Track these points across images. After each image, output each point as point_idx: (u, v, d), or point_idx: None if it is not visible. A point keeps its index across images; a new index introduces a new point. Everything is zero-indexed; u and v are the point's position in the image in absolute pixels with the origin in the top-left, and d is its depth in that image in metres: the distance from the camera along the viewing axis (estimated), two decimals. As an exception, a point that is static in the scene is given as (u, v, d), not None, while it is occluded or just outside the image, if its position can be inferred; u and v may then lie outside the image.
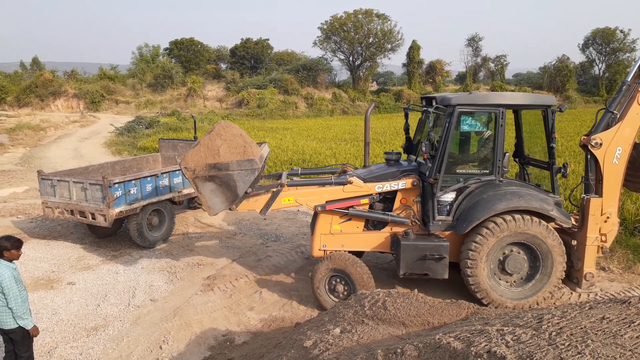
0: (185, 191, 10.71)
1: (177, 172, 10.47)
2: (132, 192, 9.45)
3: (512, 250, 6.83)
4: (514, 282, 6.92)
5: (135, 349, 6.24)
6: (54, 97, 47.32)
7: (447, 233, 7.09)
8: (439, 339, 3.06)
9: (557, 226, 7.12)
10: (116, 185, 9.12)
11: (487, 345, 2.82)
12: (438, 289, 7.71)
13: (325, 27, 56.91)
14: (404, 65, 59.48)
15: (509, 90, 55.22)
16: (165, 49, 62.09)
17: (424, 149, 6.90)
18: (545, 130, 7.17)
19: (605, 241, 7.04)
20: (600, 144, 6.91)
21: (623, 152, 6.87)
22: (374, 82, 72.46)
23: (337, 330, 4.14)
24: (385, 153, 8.02)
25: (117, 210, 9.19)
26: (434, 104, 7.23)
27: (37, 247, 10.00)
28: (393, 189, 7.22)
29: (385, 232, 7.32)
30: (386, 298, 4.48)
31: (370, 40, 56.34)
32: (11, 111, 40.80)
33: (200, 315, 7.13)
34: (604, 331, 2.91)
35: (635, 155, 7.03)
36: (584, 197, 6.93)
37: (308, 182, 7.70)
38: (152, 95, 49.68)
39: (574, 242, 7.12)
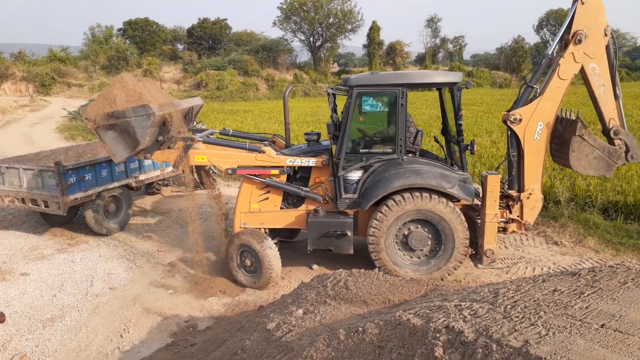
0: (143, 177, 10.45)
1: (132, 156, 10.17)
2: (86, 178, 9.13)
3: (416, 227, 6.98)
4: (419, 258, 7.12)
5: (95, 339, 6.11)
6: (0, 80, 45.06)
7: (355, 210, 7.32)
8: (399, 316, 3.11)
9: (467, 203, 7.19)
10: (70, 172, 8.79)
11: (445, 320, 2.88)
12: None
13: (285, 6, 56.12)
14: (364, 46, 59.47)
15: (467, 71, 56.21)
16: (119, 30, 59.91)
17: (327, 129, 7.18)
18: (453, 107, 7.14)
19: (524, 217, 7.11)
20: (520, 120, 6.82)
21: (544, 128, 6.79)
22: (335, 63, 72.23)
23: (300, 311, 4.16)
24: (305, 133, 8.14)
25: (72, 197, 8.87)
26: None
27: (-14, 238, 9.57)
28: (303, 165, 7.40)
29: (302, 209, 7.50)
30: (348, 277, 4.52)
31: (331, 20, 55.97)
32: (-46, 95, 38.68)
33: (162, 302, 7.03)
34: (555, 303, 3.02)
35: (561, 130, 6.95)
36: (483, 174, 6.96)
37: (224, 143, 7.82)
38: (106, 78, 47.91)
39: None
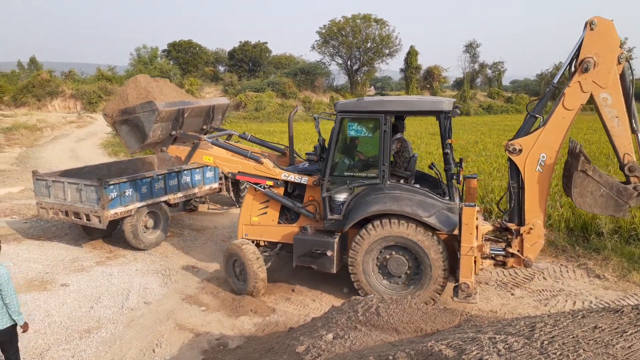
0: (180, 193, 10.69)
1: (173, 174, 10.46)
2: (127, 193, 9.42)
3: (395, 253, 6.99)
4: (397, 284, 7.15)
5: (128, 352, 6.21)
6: (51, 97, 47.17)
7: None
8: (430, 346, 3.06)
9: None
10: (111, 187, 9.09)
11: (478, 353, 2.82)
12: (432, 295, 7.71)
13: (323, 31, 57.08)
14: (401, 70, 59.66)
15: (506, 97, 55.40)
16: (164, 51, 62.08)
17: (314, 151, 7.64)
18: (441, 135, 7.00)
19: (524, 253, 6.79)
20: (520, 150, 6.55)
21: (548, 160, 6.43)
22: (372, 87, 72.64)
23: (330, 335, 4.13)
24: (307, 153, 8.27)
25: (112, 211, 9.16)
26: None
27: (31, 248, 9.95)
28: (296, 181, 7.67)
29: (296, 226, 7.78)
30: (379, 304, 4.47)
31: (369, 45, 56.54)
32: (8, 111, 40.66)
33: (194, 318, 7.11)
34: (595, 341, 2.91)
35: (570, 163, 6.57)
36: (460, 206, 6.68)
37: (229, 147, 8.22)
38: (149, 97, 49.54)
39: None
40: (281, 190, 7.88)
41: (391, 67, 65.89)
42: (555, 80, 6.69)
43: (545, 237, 6.96)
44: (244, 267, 7.61)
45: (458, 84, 67.24)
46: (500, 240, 7.25)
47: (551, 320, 3.29)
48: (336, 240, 7.23)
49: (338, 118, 7.15)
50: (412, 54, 57.19)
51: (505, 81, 73.65)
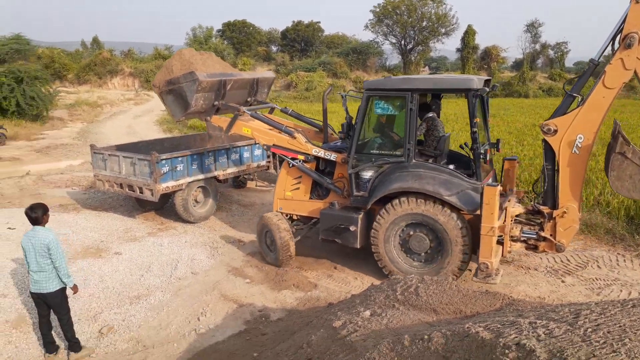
0: (230, 170, 10.90)
1: (223, 151, 10.66)
2: (178, 168, 9.70)
3: (418, 231, 7.01)
4: (419, 261, 7.19)
5: (175, 319, 6.47)
6: (111, 75, 49.03)
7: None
8: (467, 327, 2.99)
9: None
10: (163, 162, 9.38)
11: (517, 337, 2.72)
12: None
13: (377, 10, 56.01)
14: (458, 50, 57.80)
15: (568, 78, 52.64)
16: (218, 31, 62.99)
17: (342, 129, 7.80)
18: (469, 114, 6.79)
19: (557, 237, 6.58)
20: (555, 131, 6.22)
21: (585, 141, 6.08)
22: (427, 67, 70.94)
23: (367, 312, 4.13)
24: (340, 132, 8.26)
25: (164, 185, 9.47)
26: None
27: (88, 218, 10.48)
28: (326, 157, 7.85)
29: (326, 201, 7.94)
30: (419, 284, 4.41)
31: (424, 24, 55.07)
32: (71, 88, 42.64)
33: (238, 290, 7.30)
34: (645, 331, 2.74)
35: (611, 143, 6.08)
36: (482, 185, 6.44)
37: (267, 120, 8.53)
38: (204, 76, 50.55)
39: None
40: (313, 166, 8.09)
41: (447, 47, 64.10)
42: (596, 58, 6.29)
43: (580, 222, 6.66)
44: (273, 238, 7.87)
45: (517, 65, 64.54)
46: (534, 223, 7.02)
47: (598, 308, 3.13)
48: (361, 216, 7.35)
49: (365, 96, 7.21)
50: (469, 33, 55.18)
51: (569, 62, 70.02)
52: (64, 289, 5.54)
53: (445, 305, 4.11)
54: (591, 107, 6.06)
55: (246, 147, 11.31)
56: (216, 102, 8.70)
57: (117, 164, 9.98)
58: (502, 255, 7.00)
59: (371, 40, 56.75)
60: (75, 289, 5.65)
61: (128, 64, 51.04)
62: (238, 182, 12.86)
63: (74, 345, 5.65)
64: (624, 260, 8.16)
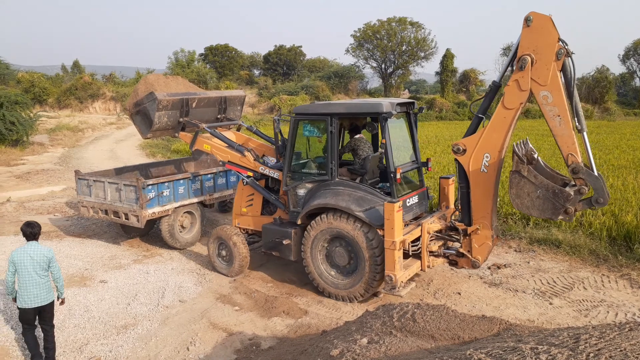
0: (217, 194, 10.83)
1: (209, 175, 10.61)
2: (164, 193, 9.61)
3: (337, 245, 7.48)
4: (340, 273, 7.60)
5: (163, 349, 6.32)
6: (92, 99, 48.61)
7: None
8: (469, 354, 2.99)
9: None
10: (149, 187, 9.29)
11: (520, 363, 2.73)
12: (469, 303, 7.57)
13: (358, 34, 56.93)
14: (437, 73, 58.88)
15: (474, 99, 53.84)
16: (201, 55, 63.17)
17: (276, 150, 8.37)
18: (379, 136, 7.45)
19: (473, 254, 6.86)
20: (464, 150, 6.48)
21: (492, 160, 6.30)
22: (406, 90, 71.99)
23: (365, 340, 4.10)
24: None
25: (150, 211, 9.35)
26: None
27: (72, 245, 10.26)
28: (270, 175, 8.40)
29: (275, 217, 8.45)
30: (415, 310, 4.40)
31: (404, 48, 56.08)
32: (52, 112, 42.15)
33: (228, 318, 7.18)
34: (645, 354, 2.78)
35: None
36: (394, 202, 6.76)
37: (223, 138, 9.06)
38: (186, 100, 50.46)
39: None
40: (263, 183, 8.67)
41: (426, 70, 65.27)
42: (498, 80, 6.53)
43: (494, 240, 6.89)
44: (230, 250, 8.44)
45: (495, 88, 65.87)
46: (456, 240, 7.26)
47: (596, 332, 3.17)
48: (294, 230, 7.88)
49: (293, 120, 7.80)
50: (448, 57, 56.32)
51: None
52: (53, 302, 5.90)
53: (443, 331, 4.10)
54: (494, 127, 6.31)
55: (233, 172, 11.26)
56: (180, 119, 9.47)
57: (102, 190, 9.85)
58: (422, 270, 7.44)
59: (352, 64, 57.51)
60: (63, 301, 6.11)
61: (110, 87, 50.75)
62: (224, 206, 12.76)
63: (52, 357, 5.89)
64: (609, 281, 8.28)
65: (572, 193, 5.81)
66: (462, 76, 58.94)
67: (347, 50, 58.03)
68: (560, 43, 5.74)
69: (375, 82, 61.89)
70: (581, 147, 5.93)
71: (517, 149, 6.05)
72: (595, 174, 5.80)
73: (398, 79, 58.58)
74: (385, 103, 7.18)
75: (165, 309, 7.46)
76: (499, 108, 6.25)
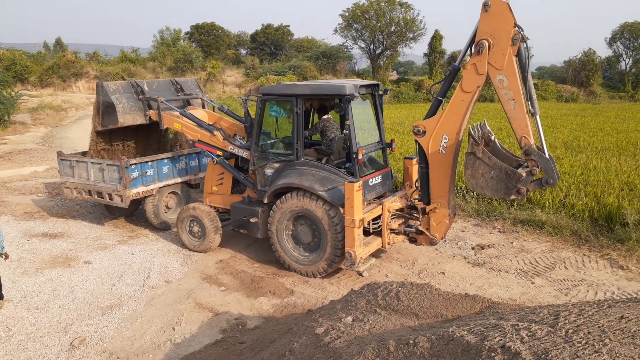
0: (202, 174, 10.75)
1: (194, 155, 10.52)
2: (148, 173, 9.52)
3: (302, 223, 7.70)
4: (304, 250, 7.84)
5: (149, 329, 6.32)
6: (75, 78, 47.75)
7: None
8: (452, 331, 3.03)
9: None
10: (133, 167, 9.19)
11: (501, 340, 2.78)
12: (453, 282, 7.67)
13: (346, 14, 56.34)
14: (425, 55, 58.69)
15: (433, 82, 54.18)
16: (187, 33, 62.13)
17: (245, 130, 8.46)
18: (341, 117, 7.88)
19: (431, 231, 7.10)
20: (424, 132, 6.64)
21: (449, 141, 6.48)
22: (394, 71, 71.77)
23: (349, 318, 4.13)
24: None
25: (134, 191, 9.27)
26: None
27: (55, 226, 10.17)
28: (238, 154, 8.54)
29: (244, 196, 8.60)
30: (399, 289, 4.44)
31: (392, 28, 55.66)
32: (34, 91, 41.29)
33: (214, 298, 7.19)
34: (622, 330, 2.84)
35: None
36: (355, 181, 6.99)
37: (192, 117, 9.11)
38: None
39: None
40: (232, 162, 8.78)
41: (415, 52, 64.87)
42: (457, 63, 6.61)
43: (452, 218, 7.15)
44: (203, 226, 8.62)
45: (482, 70, 65.82)
46: (416, 218, 7.47)
47: (575, 309, 3.22)
48: (261, 209, 8.04)
49: (260, 100, 7.87)
50: (436, 39, 56.09)
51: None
52: None
53: (426, 309, 4.15)
54: (452, 110, 6.44)
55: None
56: (139, 97, 9.67)
57: (85, 171, 9.73)
58: (382, 246, 7.67)
59: (340, 45, 57.05)
60: (6, 256, 6.80)
61: (93, 66, 49.84)
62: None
63: None
64: (590, 261, 8.43)
65: (523, 174, 5.99)
66: (450, 58, 58.72)
67: (336, 31, 57.44)
68: (516, 29, 5.84)
69: (363, 63, 61.54)
70: (534, 130, 6.06)
71: (472, 131, 6.17)
72: (547, 155, 5.99)
73: (386, 60, 58.25)
74: (349, 85, 7.30)
75: (150, 289, 7.45)
76: (457, 91, 6.37)
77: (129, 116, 9.50)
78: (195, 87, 11.20)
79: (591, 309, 3.22)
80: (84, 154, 10.46)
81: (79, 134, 24.10)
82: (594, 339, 2.65)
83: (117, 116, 9.29)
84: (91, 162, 9.64)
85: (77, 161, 9.85)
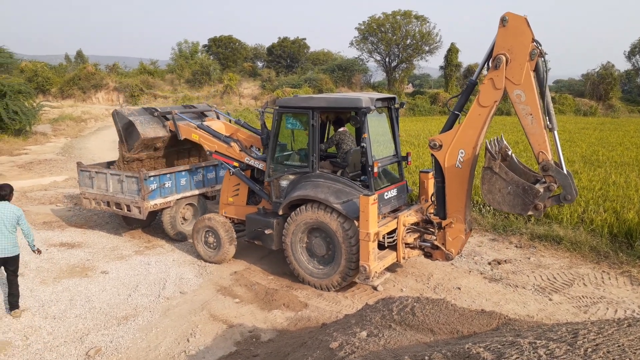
0: (218, 186, 10.83)
1: (211, 167, 10.62)
2: (166, 185, 9.63)
3: (316, 235, 7.67)
4: (320, 263, 7.79)
5: (164, 340, 6.36)
6: (95, 89, 48.66)
7: None
8: (468, 348, 3.00)
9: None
10: (151, 179, 9.31)
11: (518, 358, 2.74)
12: (469, 298, 7.59)
13: (362, 27, 56.67)
14: (441, 68, 58.65)
15: (450, 96, 53.83)
16: (204, 46, 63.03)
17: (262, 141, 8.50)
18: (358, 131, 7.88)
19: (447, 247, 7.03)
20: (440, 146, 6.60)
21: (466, 156, 6.45)
22: (410, 84, 71.78)
23: (364, 333, 4.11)
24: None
25: (152, 202, 9.37)
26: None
27: (74, 236, 10.31)
28: (255, 166, 8.57)
29: (259, 207, 8.64)
30: (415, 304, 4.42)
31: (408, 41, 55.80)
32: (55, 102, 42.17)
33: (228, 310, 7.21)
34: (643, 351, 2.78)
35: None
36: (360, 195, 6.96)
37: (208, 129, 9.31)
38: (189, 91, 50.49)
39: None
40: (249, 173, 8.82)
41: (431, 65, 65.16)
42: (474, 78, 6.59)
43: (468, 233, 7.08)
44: (218, 237, 8.66)
45: (498, 83, 65.46)
46: (432, 232, 7.42)
47: (595, 328, 3.17)
48: (276, 220, 8.06)
49: (277, 112, 7.94)
50: (452, 52, 56.04)
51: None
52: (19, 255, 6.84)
53: (442, 325, 4.11)
54: (469, 124, 6.40)
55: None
56: (155, 115, 9.95)
57: (104, 182, 9.87)
58: (397, 261, 7.61)
59: (356, 57, 57.30)
60: (39, 251, 7.11)
61: (113, 78, 50.76)
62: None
63: (15, 303, 6.85)
64: (609, 278, 8.28)
65: (541, 190, 5.92)
66: (466, 71, 58.60)
67: (352, 43, 57.77)
68: (534, 43, 5.82)
69: (379, 75, 61.64)
70: (552, 145, 6.02)
71: (489, 146, 6.14)
72: (564, 171, 5.93)
73: (402, 73, 58.32)
74: (365, 98, 7.32)
75: (166, 300, 7.50)
76: (474, 105, 6.35)
77: (149, 129, 9.66)
78: (208, 109, 11.37)
79: (611, 327, 3.17)
80: (110, 164, 10.65)
81: (98, 144, 24.54)
82: (613, 359, 2.61)
83: (138, 129, 9.45)
84: (110, 174, 9.78)
85: (96, 172, 10.00)
